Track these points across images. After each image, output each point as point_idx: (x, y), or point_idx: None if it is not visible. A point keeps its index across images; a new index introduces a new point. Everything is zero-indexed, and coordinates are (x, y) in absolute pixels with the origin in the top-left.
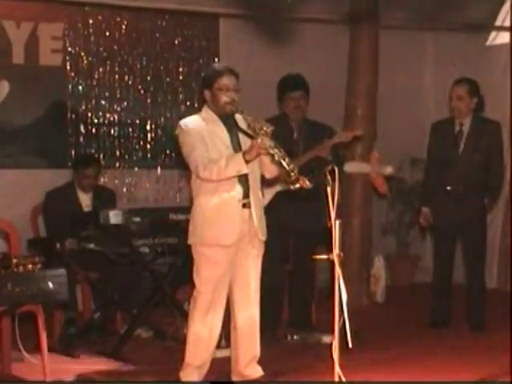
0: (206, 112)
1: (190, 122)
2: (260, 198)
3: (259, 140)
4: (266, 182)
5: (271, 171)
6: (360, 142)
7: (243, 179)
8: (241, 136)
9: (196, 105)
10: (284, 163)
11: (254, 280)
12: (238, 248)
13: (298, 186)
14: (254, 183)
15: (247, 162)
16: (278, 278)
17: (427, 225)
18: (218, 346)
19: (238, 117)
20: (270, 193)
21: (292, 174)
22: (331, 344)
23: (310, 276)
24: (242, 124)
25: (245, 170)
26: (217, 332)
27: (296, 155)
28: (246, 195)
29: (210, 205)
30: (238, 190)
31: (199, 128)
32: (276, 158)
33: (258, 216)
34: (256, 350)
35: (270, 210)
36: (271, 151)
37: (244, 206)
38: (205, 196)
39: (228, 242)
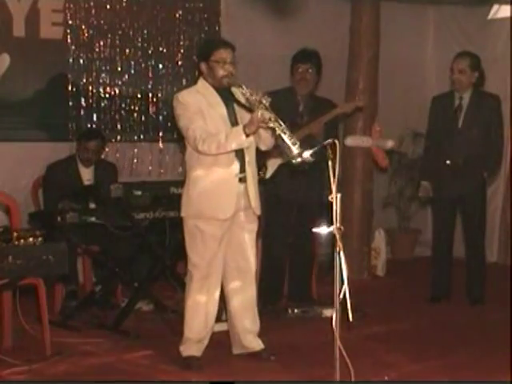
0: (203, 84)
1: (188, 94)
2: (255, 173)
3: (259, 113)
4: (269, 155)
5: (267, 143)
6: (361, 116)
7: (240, 153)
8: (237, 109)
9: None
10: (285, 137)
11: (250, 254)
12: (233, 222)
13: (299, 160)
14: (250, 157)
15: (247, 135)
16: (279, 251)
17: (426, 198)
18: (218, 320)
19: (235, 89)
20: (272, 165)
21: (294, 147)
22: (332, 317)
23: (309, 249)
24: (239, 97)
25: (245, 143)
26: (215, 306)
27: (300, 129)
28: (243, 169)
29: (206, 178)
30: (236, 165)
31: (197, 101)
32: (277, 131)
33: (254, 190)
34: (255, 323)
35: (271, 183)
36: (272, 125)
37: (240, 180)
38: (201, 169)
39: (224, 216)
